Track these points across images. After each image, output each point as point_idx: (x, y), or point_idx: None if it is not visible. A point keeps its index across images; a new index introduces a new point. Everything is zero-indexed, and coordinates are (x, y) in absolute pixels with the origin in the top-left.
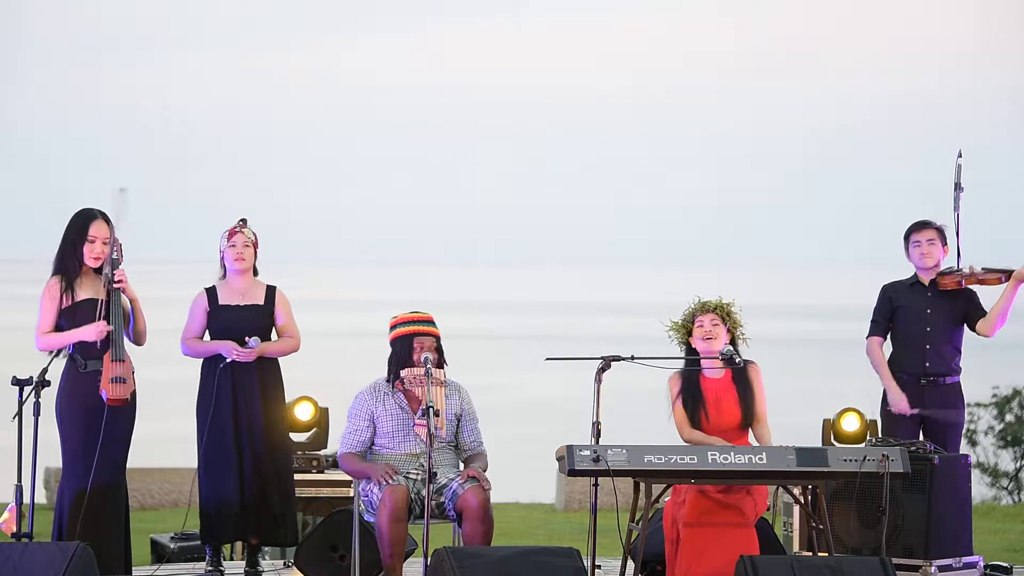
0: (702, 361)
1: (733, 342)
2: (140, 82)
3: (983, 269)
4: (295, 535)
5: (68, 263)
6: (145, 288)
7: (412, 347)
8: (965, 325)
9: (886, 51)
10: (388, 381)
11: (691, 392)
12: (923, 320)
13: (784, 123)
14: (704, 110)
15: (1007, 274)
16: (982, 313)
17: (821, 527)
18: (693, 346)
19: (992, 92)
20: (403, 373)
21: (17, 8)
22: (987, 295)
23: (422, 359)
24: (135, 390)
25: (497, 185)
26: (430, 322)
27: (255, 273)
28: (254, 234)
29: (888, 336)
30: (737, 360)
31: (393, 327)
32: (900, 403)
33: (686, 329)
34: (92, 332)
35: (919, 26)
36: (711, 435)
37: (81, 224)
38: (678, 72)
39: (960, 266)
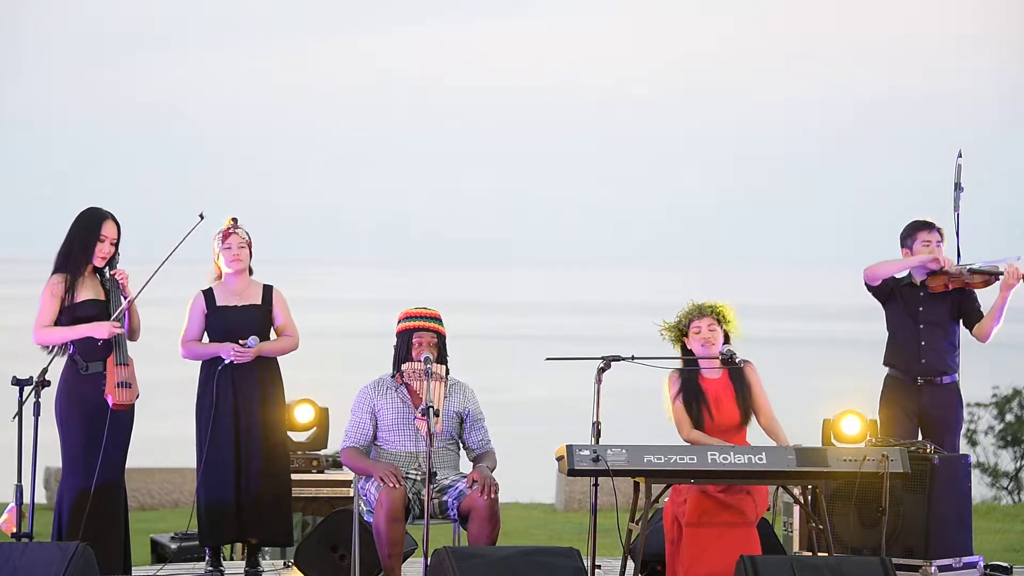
0: (700, 362)
1: (727, 341)
2: (142, 82)
3: (969, 271)
4: (290, 535)
5: (73, 262)
6: (147, 288)
7: (411, 343)
8: (961, 322)
9: (885, 51)
10: (392, 376)
11: (693, 393)
12: (916, 319)
13: (782, 122)
14: (703, 109)
15: (994, 276)
16: (978, 314)
17: (821, 527)
18: (689, 348)
19: (992, 92)
20: (404, 368)
21: (17, 8)
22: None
23: (422, 357)
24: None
25: (498, 185)
26: (433, 318)
27: (250, 272)
28: (247, 233)
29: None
30: (737, 360)
31: (399, 321)
32: (934, 261)
33: (680, 331)
34: (104, 329)
35: (919, 26)
36: (712, 435)
37: (93, 223)
38: (677, 71)
39: (947, 267)
